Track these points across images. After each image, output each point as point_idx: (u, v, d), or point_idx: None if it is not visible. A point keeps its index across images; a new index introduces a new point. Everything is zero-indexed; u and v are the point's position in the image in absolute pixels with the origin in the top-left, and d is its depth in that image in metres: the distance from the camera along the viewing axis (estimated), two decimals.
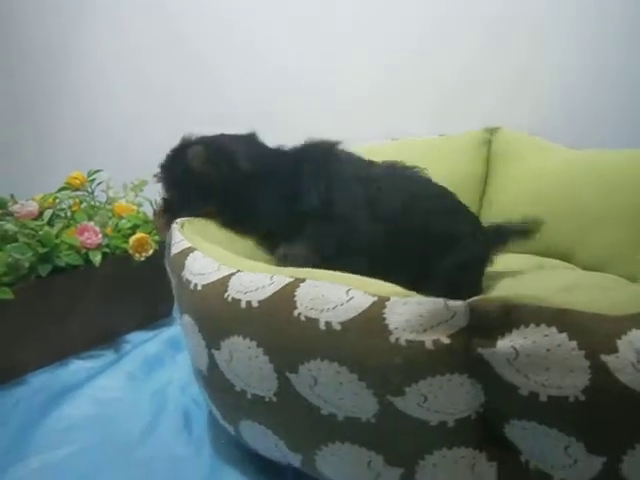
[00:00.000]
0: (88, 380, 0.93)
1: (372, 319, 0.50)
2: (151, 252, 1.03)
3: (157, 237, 1.05)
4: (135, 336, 1.09)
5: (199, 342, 0.64)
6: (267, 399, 0.58)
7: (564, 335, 0.45)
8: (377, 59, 1.57)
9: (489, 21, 1.50)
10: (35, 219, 0.98)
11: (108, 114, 1.65)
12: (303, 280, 0.56)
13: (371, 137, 1.39)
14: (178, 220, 0.82)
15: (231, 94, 1.62)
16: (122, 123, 1.64)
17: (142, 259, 1.02)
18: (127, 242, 1.02)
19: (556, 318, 0.45)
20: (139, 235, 1.02)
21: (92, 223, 0.97)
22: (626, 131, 1.40)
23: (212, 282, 0.63)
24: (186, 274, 0.67)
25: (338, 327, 0.51)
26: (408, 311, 0.49)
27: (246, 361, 0.58)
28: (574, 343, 0.44)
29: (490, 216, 1.30)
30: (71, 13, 1.62)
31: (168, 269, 0.79)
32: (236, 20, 1.60)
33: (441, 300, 0.48)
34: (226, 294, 0.60)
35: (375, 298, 0.51)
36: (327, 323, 0.51)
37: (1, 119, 1.62)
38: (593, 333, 0.45)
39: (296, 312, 0.54)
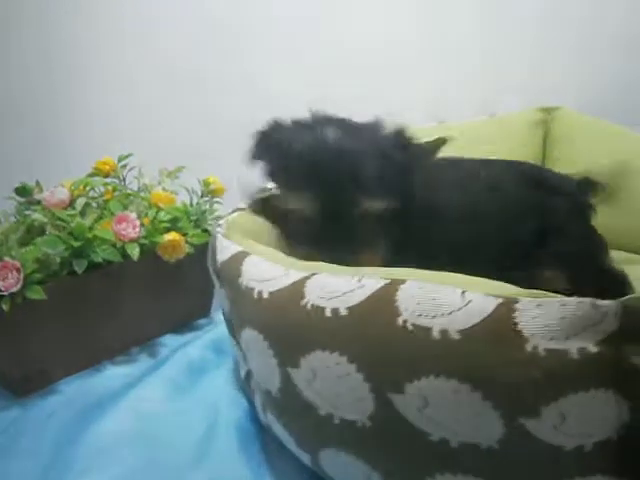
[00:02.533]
0: (126, 389, 0.83)
1: (501, 325, 0.41)
2: (182, 256, 0.94)
3: (194, 238, 0.97)
4: (172, 339, 0.99)
5: (269, 360, 0.55)
6: (360, 424, 0.49)
7: None
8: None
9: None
10: (65, 208, 0.89)
11: (133, 98, 1.56)
12: (403, 282, 0.47)
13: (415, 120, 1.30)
14: (222, 221, 0.74)
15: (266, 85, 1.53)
16: (147, 108, 1.55)
17: (172, 261, 0.93)
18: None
19: None
20: (171, 237, 0.92)
21: (130, 213, 0.88)
22: None
23: (283, 288, 0.54)
24: (244, 281, 0.59)
25: (457, 336, 0.42)
26: (546, 314, 0.40)
27: (334, 380, 0.49)
28: None
29: None
30: None
31: (214, 277, 0.71)
32: None
33: (587, 300, 0.40)
34: (304, 301, 0.51)
35: (500, 300, 0.42)
36: (442, 331, 0.43)
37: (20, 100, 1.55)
38: None
39: (400, 319, 0.45)
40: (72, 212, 0.87)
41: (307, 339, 0.50)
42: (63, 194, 0.89)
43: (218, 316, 1.02)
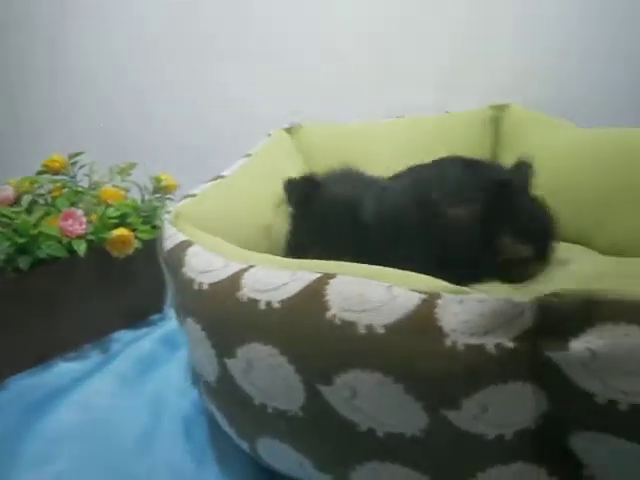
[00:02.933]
0: (76, 384, 0.84)
1: (423, 320, 0.43)
2: (132, 251, 0.94)
3: (143, 233, 0.97)
4: (125, 334, 1.00)
5: (207, 350, 0.56)
6: (292, 413, 0.50)
7: None
8: (377, 29, 1.52)
9: None
10: (11, 205, 0.89)
11: (87, 96, 1.57)
12: (333, 276, 0.48)
13: (372, 113, 1.33)
14: (171, 209, 0.74)
15: (220, 78, 1.55)
16: (102, 107, 1.57)
17: (122, 257, 0.94)
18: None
19: (637, 314, 0.39)
20: (120, 232, 0.92)
21: (77, 209, 0.88)
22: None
23: (221, 280, 0.54)
24: (187, 272, 0.59)
25: (381, 331, 0.43)
26: (465, 310, 0.42)
27: (267, 371, 0.50)
28: None
29: None
30: None
31: (163, 265, 0.70)
32: None
33: (505, 297, 0.41)
34: (239, 293, 0.51)
35: (424, 295, 0.43)
36: (367, 326, 0.44)
37: None
38: None
39: (329, 314, 0.46)
40: (17, 209, 0.87)
41: (242, 331, 0.51)
42: (7, 191, 0.89)
43: (171, 311, 1.04)
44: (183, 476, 0.66)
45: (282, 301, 0.49)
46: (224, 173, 0.91)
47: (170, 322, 1.02)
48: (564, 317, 0.40)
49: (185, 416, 0.76)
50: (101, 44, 1.55)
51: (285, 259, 0.57)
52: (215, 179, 0.88)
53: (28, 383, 0.86)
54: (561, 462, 0.44)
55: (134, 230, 0.96)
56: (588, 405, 0.40)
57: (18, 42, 1.54)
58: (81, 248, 0.86)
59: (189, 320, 0.59)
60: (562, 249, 1.06)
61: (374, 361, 0.44)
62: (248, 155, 1.02)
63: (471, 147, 1.27)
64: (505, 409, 0.42)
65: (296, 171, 1.06)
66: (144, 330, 1.01)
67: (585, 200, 1.11)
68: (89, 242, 0.88)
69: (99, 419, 0.77)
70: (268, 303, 0.49)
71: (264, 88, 1.55)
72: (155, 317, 1.08)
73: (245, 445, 0.61)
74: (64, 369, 0.89)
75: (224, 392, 0.58)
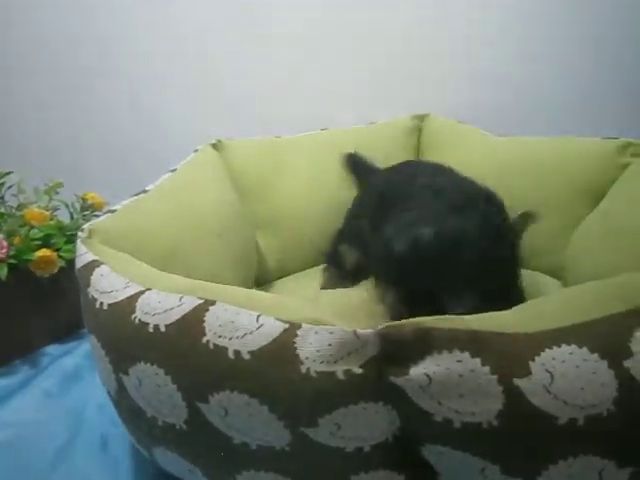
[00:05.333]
0: (2, 400, 0.88)
1: (283, 348, 0.47)
2: (56, 270, 0.97)
3: (66, 253, 1.00)
4: (54, 349, 1.04)
5: (106, 365, 0.60)
6: (178, 427, 0.55)
7: (477, 360, 0.44)
8: (299, 44, 1.54)
9: (419, 5, 1.48)
10: None
11: (18, 113, 1.58)
12: (213, 303, 0.53)
13: (301, 127, 1.36)
14: (85, 227, 0.76)
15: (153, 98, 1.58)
16: (34, 122, 1.58)
17: (46, 276, 0.97)
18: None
19: (469, 342, 0.45)
20: (43, 253, 0.96)
21: None
22: (558, 118, 1.41)
23: (119, 301, 0.58)
24: (91, 291, 0.63)
25: (247, 356, 0.48)
26: (319, 340, 0.47)
27: (155, 389, 0.54)
28: (487, 368, 0.43)
29: None
30: None
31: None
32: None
33: (350, 329, 0.46)
34: (133, 315, 0.56)
35: (286, 325, 0.48)
36: (236, 352, 0.49)
37: None
38: (506, 356, 0.44)
39: (204, 339, 0.50)
40: None
41: (133, 351, 0.55)
42: None
43: None
44: None
45: (167, 325, 0.53)
46: (148, 187, 0.93)
47: None
48: (404, 346, 0.45)
49: (102, 431, 0.80)
50: (28, 63, 1.56)
51: (187, 280, 0.61)
52: (137, 194, 0.91)
53: None
54: (419, 470, 0.49)
55: (58, 250, 0.99)
56: (428, 422, 0.45)
57: None
58: (2, 272, 0.90)
59: (92, 336, 0.63)
60: None
61: (242, 384, 0.49)
62: (173, 170, 1.04)
63: (393, 157, 1.31)
64: (358, 426, 0.47)
65: (219, 184, 1.09)
66: (73, 344, 1.05)
67: None
68: (11, 265, 0.91)
69: (19, 434, 0.80)
70: (156, 327, 0.53)
71: (196, 105, 1.58)
72: (85, 331, 1.10)
73: (145, 452, 0.66)
74: None
75: (122, 404, 0.62)
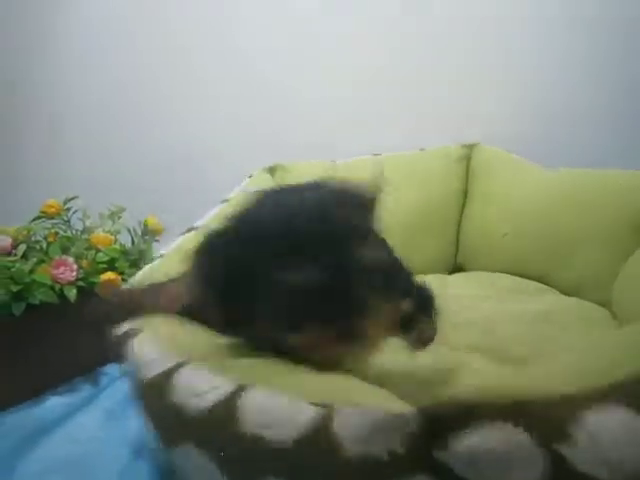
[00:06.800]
0: (65, 418, 0.92)
1: (321, 434, 0.47)
2: None
3: (129, 276, 1.03)
4: (114, 368, 1.08)
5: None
6: None
7: (520, 429, 0.44)
8: (357, 71, 1.58)
9: (469, 37, 1.52)
10: (9, 254, 0.97)
11: (78, 140, 1.65)
12: (245, 388, 0.52)
13: (355, 152, 1.39)
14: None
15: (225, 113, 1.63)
16: (94, 150, 1.65)
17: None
18: None
19: (511, 412, 0.45)
20: (108, 276, 1.01)
21: (68, 257, 0.97)
22: (602, 149, 1.42)
23: (157, 375, 0.58)
24: (131, 359, 0.64)
25: (287, 445, 0.48)
26: (357, 422, 0.47)
27: (201, 470, 0.55)
28: (529, 436, 0.43)
29: (471, 232, 1.33)
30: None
31: None
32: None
33: (392, 411, 0.47)
34: (172, 395, 0.55)
35: (322, 410, 0.48)
36: (276, 440, 0.48)
37: None
38: (547, 422, 0.44)
39: (241, 428, 0.50)
40: (13, 258, 0.95)
41: (178, 431, 0.56)
42: (4, 241, 0.97)
43: None
44: None
45: (207, 408, 0.52)
46: (197, 223, 0.95)
47: None
48: (446, 422, 0.46)
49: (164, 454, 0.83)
50: (88, 88, 1.63)
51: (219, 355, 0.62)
52: (188, 231, 0.92)
53: (19, 417, 0.93)
54: None
55: (122, 273, 1.05)
56: None
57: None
58: (71, 294, 0.95)
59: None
60: (519, 285, 1.14)
61: (283, 469, 0.49)
62: (225, 201, 1.05)
63: (440, 184, 1.34)
64: None
65: None
66: None
67: (549, 239, 1.17)
68: (79, 287, 0.96)
69: (83, 452, 0.84)
70: (195, 408, 0.53)
71: (246, 131, 1.63)
72: None
73: None
74: (55, 403, 0.97)
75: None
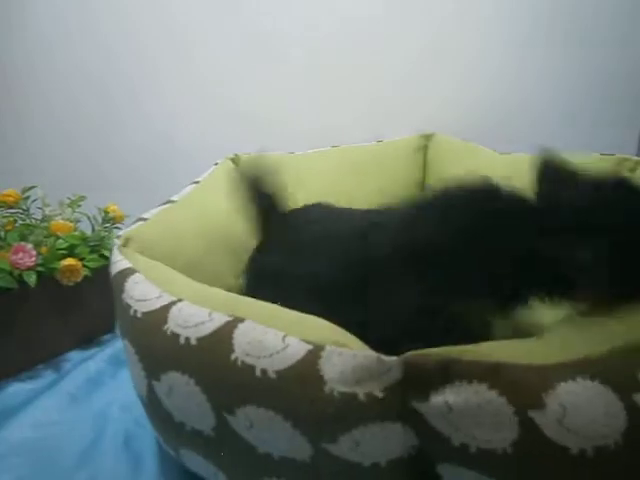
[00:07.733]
0: (27, 403, 0.92)
1: (307, 369, 0.51)
2: (80, 279, 1.02)
3: (90, 262, 1.05)
4: (76, 354, 1.08)
5: (139, 371, 0.64)
6: (205, 433, 0.59)
7: (494, 392, 0.46)
8: (312, 62, 1.60)
9: (425, 27, 1.55)
10: None
11: (42, 130, 1.63)
12: (242, 320, 0.56)
13: (313, 145, 1.41)
14: (121, 234, 0.79)
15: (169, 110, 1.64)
16: (56, 138, 1.63)
17: (70, 284, 1.02)
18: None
19: (488, 374, 0.47)
20: (68, 262, 1.00)
21: (27, 243, 0.96)
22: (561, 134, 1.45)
23: (152, 311, 0.62)
24: (126, 298, 0.66)
25: (273, 375, 0.51)
26: (342, 363, 0.50)
27: (185, 396, 0.58)
28: (504, 399, 0.46)
29: None
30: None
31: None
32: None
33: (374, 354, 0.50)
34: (165, 326, 0.59)
35: (311, 347, 0.52)
36: (263, 371, 0.52)
37: None
38: (523, 388, 0.46)
39: (233, 356, 0.54)
40: None
41: (165, 360, 0.59)
42: None
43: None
44: None
45: (198, 339, 0.56)
46: (174, 198, 0.98)
47: (119, 342, 1.08)
48: (427, 374, 0.48)
49: (126, 431, 0.85)
50: (55, 79, 1.62)
51: (210, 291, 0.66)
52: (165, 203, 0.95)
53: None
54: None
55: (82, 259, 1.04)
56: (445, 445, 0.47)
57: None
58: (31, 279, 0.94)
59: (125, 342, 0.67)
60: None
61: (267, 400, 0.52)
62: (196, 182, 1.09)
63: (400, 174, 1.37)
64: (376, 444, 0.50)
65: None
66: (94, 350, 1.10)
67: None
68: (39, 273, 0.96)
69: (45, 436, 0.85)
70: (187, 339, 0.57)
71: (212, 121, 1.63)
72: (106, 337, 1.16)
73: (172, 452, 0.70)
74: (17, 389, 0.97)
75: (152, 408, 0.66)
